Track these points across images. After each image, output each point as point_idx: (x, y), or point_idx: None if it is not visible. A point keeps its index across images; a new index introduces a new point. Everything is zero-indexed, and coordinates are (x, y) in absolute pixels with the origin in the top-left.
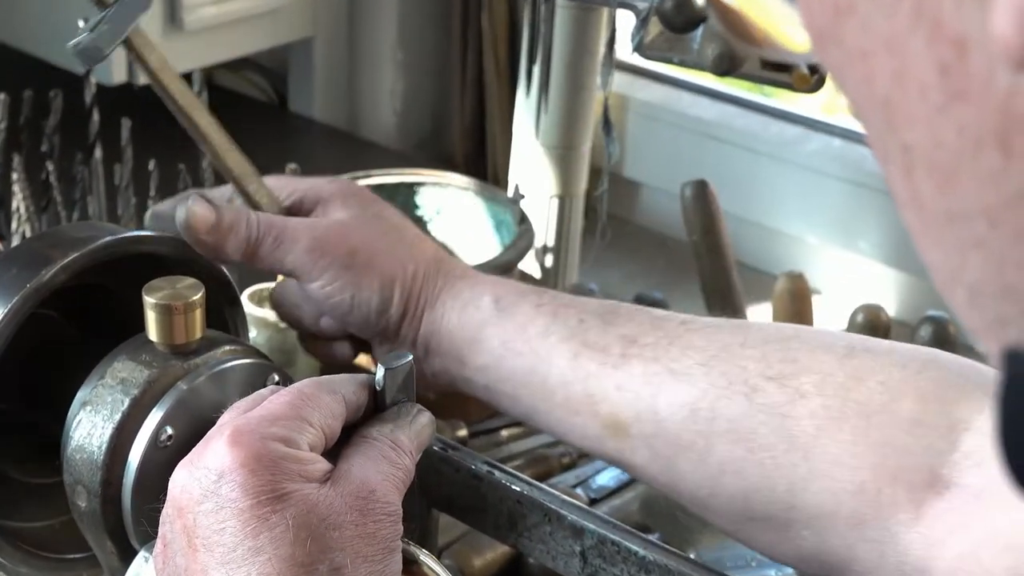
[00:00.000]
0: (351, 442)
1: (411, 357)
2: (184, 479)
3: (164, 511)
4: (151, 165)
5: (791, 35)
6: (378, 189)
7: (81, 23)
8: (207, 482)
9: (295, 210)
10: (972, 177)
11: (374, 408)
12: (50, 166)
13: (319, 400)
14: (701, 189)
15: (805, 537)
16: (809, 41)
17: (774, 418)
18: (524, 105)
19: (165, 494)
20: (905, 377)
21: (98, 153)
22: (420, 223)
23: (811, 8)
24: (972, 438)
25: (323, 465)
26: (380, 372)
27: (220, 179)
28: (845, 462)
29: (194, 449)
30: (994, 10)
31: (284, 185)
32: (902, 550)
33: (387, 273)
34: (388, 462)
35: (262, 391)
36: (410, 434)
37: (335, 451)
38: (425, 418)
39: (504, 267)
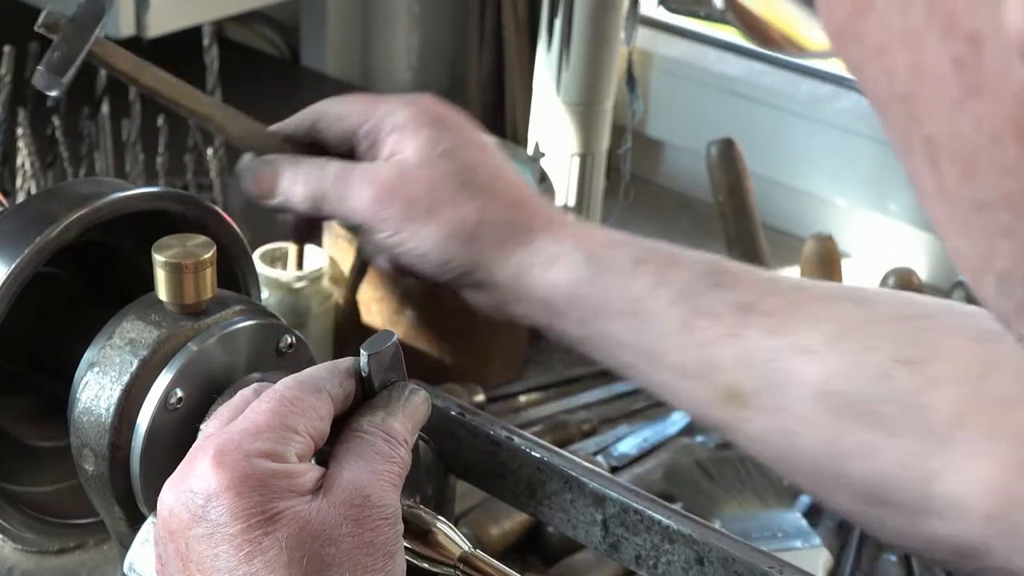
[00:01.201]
0: (341, 438)
1: (395, 337)
2: (172, 501)
3: (156, 531)
4: (160, 120)
5: (809, 35)
6: None
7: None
8: (195, 506)
9: (371, 136)
10: (992, 168)
11: (363, 394)
12: (56, 121)
13: (303, 404)
14: (727, 148)
15: (937, 527)
16: (828, 40)
17: (909, 406)
18: (545, 60)
19: (172, 461)
20: None
21: (105, 108)
22: None
23: (830, 6)
24: None
25: (313, 474)
26: (364, 358)
27: None
28: (981, 455)
29: (180, 467)
30: (1007, 5)
31: (360, 110)
32: None
33: (448, 224)
34: (382, 458)
35: (244, 392)
36: (403, 419)
37: (325, 450)
38: (418, 398)
39: None
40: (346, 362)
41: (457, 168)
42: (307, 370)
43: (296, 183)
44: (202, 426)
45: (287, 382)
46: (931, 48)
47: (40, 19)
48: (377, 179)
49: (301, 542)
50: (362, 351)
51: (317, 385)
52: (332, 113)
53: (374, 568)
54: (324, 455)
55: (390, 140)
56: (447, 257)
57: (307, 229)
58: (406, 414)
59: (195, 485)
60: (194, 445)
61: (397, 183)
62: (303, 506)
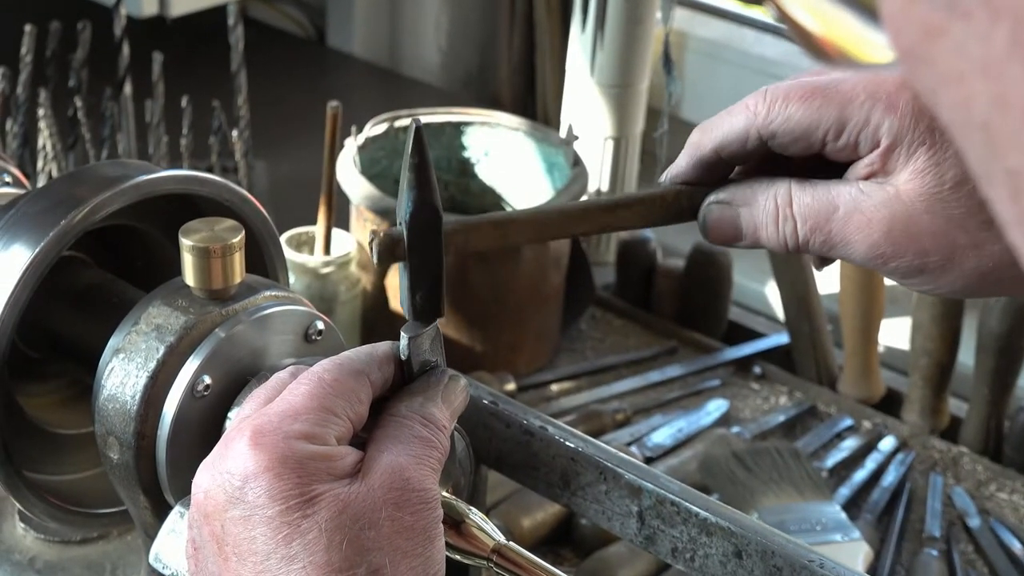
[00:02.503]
0: (380, 422)
1: (437, 321)
2: (207, 483)
3: (190, 514)
4: (184, 101)
5: (867, 49)
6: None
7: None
8: (231, 488)
9: (845, 151)
10: None
11: (402, 379)
12: (78, 102)
13: (342, 386)
14: None
15: None
16: (897, 61)
17: None
18: (578, 40)
19: (199, 449)
20: None
21: (128, 88)
22: (467, 165)
23: (898, 27)
24: None
25: (352, 457)
26: (403, 341)
27: (258, 115)
28: None
29: (215, 450)
30: None
31: (818, 118)
32: None
33: (974, 272)
34: (421, 443)
35: (280, 375)
36: (442, 405)
37: (364, 432)
38: (458, 384)
39: None
40: (384, 346)
41: (974, 203)
42: (345, 352)
43: (760, 228)
44: (233, 411)
45: (325, 364)
46: (1015, 79)
47: (375, 247)
48: (872, 224)
49: (340, 525)
50: (402, 333)
51: (356, 368)
52: (778, 129)
53: (414, 552)
54: (360, 440)
55: (874, 157)
56: (971, 294)
57: (824, 258)
58: (445, 400)
59: (232, 466)
60: (230, 427)
61: (902, 231)
62: (342, 489)
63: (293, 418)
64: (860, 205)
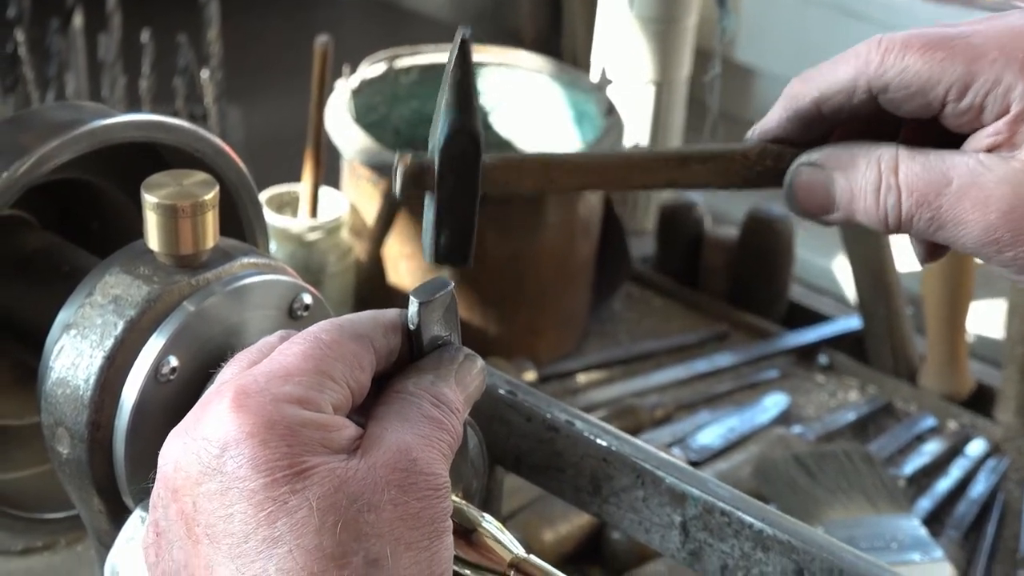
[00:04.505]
0: (383, 399)
1: (451, 285)
2: (178, 453)
3: (154, 492)
4: (144, 36)
5: None
6: (427, 71)
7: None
8: (207, 457)
9: (969, 113)
10: None
11: (409, 353)
12: (19, 36)
13: (342, 348)
14: None
15: None
16: None
17: None
18: None
19: (163, 443)
20: None
21: (78, 20)
22: (481, 113)
23: None
24: None
25: (351, 431)
26: (413, 307)
27: (232, 52)
28: None
29: (189, 414)
30: None
31: (941, 72)
32: None
33: None
34: (431, 423)
35: (269, 338)
36: (456, 387)
37: (364, 411)
38: (474, 365)
39: None
40: (391, 313)
41: None
42: (347, 316)
43: (857, 198)
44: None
45: (323, 325)
46: None
47: (399, 174)
48: (990, 203)
49: (335, 504)
50: (412, 298)
51: (359, 331)
52: (892, 80)
53: (419, 545)
54: (361, 419)
55: (1001, 125)
56: None
57: (933, 249)
58: (459, 382)
59: (209, 431)
60: (208, 390)
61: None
62: (338, 463)
63: (284, 379)
64: (978, 179)
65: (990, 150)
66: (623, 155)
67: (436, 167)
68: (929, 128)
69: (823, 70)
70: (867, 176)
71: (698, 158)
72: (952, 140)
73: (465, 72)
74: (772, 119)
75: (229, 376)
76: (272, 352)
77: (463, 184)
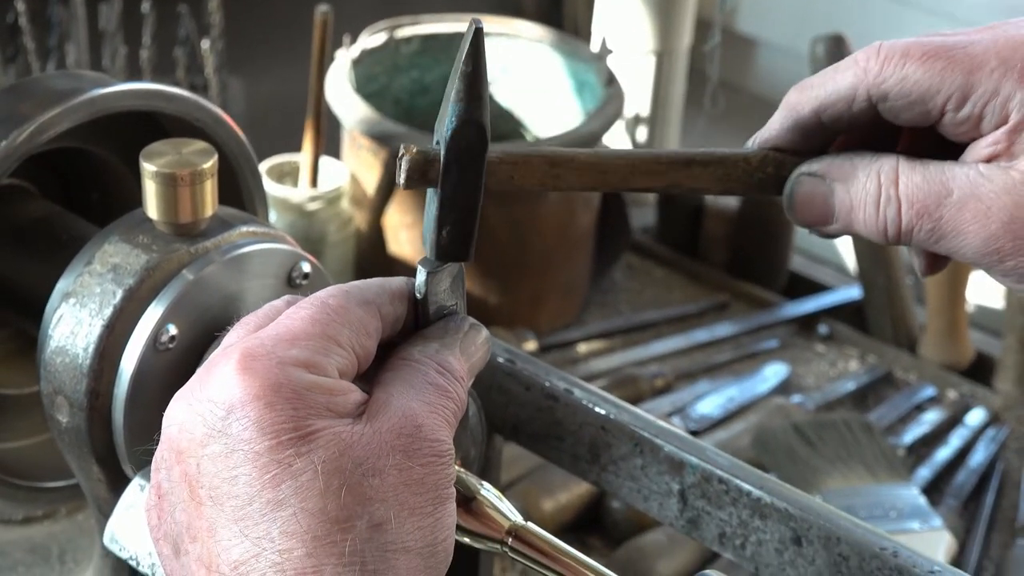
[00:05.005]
0: (388, 365)
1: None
2: (183, 415)
3: (158, 454)
4: (145, 6)
5: None
6: (428, 41)
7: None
8: (213, 419)
9: (968, 123)
10: None
11: (415, 322)
12: (20, 6)
13: (348, 313)
14: (836, 46)
15: None
16: None
17: None
18: None
19: (163, 411)
20: None
21: None
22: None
23: None
24: None
25: (356, 396)
26: (420, 277)
27: (233, 22)
28: None
29: (195, 376)
30: None
31: (939, 82)
32: None
33: None
34: (436, 390)
35: (275, 303)
36: (461, 356)
37: (369, 378)
38: (479, 335)
39: (586, 139)
40: (398, 281)
41: None
42: (354, 282)
43: (857, 208)
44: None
45: (330, 290)
46: None
47: (404, 165)
48: (991, 213)
49: (340, 468)
50: (419, 268)
51: (366, 297)
52: (892, 89)
53: (423, 511)
54: (366, 385)
55: (1000, 135)
56: None
57: (934, 262)
58: (464, 352)
59: (215, 393)
60: (213, 353)
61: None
62: (344, 428)
63: (290, 343)
64: (978, 190)
65: (989, 160)
66: (627, 155)
67: (441, 159)
68: (929, 137)
69: (822, 79)
70: (867, 187)
71: (701, 161)
72: (951, 149)
73: (477, 63)
74: (772, 128)
75: (235, 339)
76: (278, 316)
77: (467, 178)
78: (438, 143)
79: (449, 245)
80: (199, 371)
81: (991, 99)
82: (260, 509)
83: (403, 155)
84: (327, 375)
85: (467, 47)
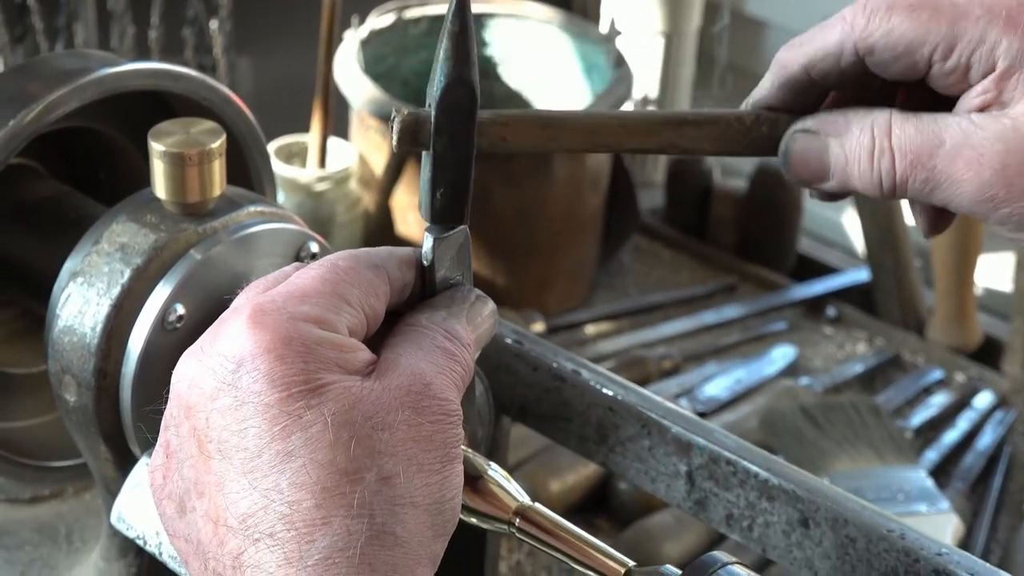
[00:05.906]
0: (397, 330)
1: (465, 225)
2: (193, 370)
3: (167, 412)
4: None
5: None
6: (436, 22)
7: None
8: (223, 372)
9: (956, 73)
10: None
11: (422, 290)
12: None
13: (358, 274)
14: None
15: None
16: None
17: None
18: None
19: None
20: None
21: None
22: (488, 66)
23: None
24: None
25: (365, 354)
26: (428, 243)
27: (241, 2)
28: None
29: (205, 334)
30: None
31: (925, 32)
32: None
33: None
34: (443, 353)
35: (284, 268)
36: (467, 325)
37: (376, 344)
38: (486, 307)
39: None
40: (406, 249)
41: None
42: (364, 248)
43: (852, 163)
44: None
45: (341, 253)
46: None
47: (396, 127)
48: (983, 161)
49: (350, 421)
50: (426, 234)
51: (375, 261)
52: (878, 42)
53: (431, 468)
54: (374, 348)
55: (989, 84)
56: None
57: (937, 220)
58: (470, 321)
59: (225, 347)
60: (224, 312)
61: (1018, 170)
62: (354, 383)
63: (301, 299)
64: (970, 139)
65: (981, 109)
66: (620, 116)
67: (432, 121)
68: (923, 94)
69: (810, 36)
70: (861, 140)
71: (694, 122)
72: (945, 105)
73: (463, 23)
74: (763, 87)
75: (245, 299)
76: (289, 278)
77: (459, 138)
78: (429, 105)
79: (444, 208)
80: (210, 329)
81: (977, 47)
82: (269, 461)
83: (395, 117)
84: (337, 331)
85: (453, 7)
